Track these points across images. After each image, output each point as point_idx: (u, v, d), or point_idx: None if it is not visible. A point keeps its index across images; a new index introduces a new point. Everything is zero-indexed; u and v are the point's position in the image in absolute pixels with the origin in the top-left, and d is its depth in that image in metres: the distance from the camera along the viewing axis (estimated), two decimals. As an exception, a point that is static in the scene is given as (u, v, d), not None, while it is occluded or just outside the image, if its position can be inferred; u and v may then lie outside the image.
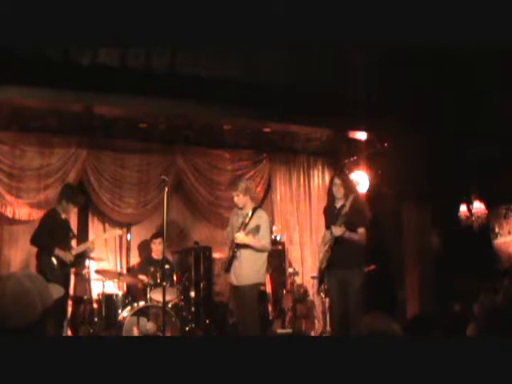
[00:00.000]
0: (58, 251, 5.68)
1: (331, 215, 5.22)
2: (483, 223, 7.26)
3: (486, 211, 7.24)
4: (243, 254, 5.15)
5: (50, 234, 5.75)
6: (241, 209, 5.27)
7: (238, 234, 5.07)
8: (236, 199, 5.25)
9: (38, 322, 1.83)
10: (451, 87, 5.91)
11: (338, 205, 5.18)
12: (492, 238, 7.38)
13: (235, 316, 5.35)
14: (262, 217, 5.20)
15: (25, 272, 1.99)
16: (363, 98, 5.98)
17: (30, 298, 1.83)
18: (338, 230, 4.94)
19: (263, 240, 5.16)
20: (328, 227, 5.28)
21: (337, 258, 5.03)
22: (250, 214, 5.19)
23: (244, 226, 5.12)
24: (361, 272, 5.15)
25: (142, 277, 6.40)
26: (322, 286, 6.29)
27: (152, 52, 5.37)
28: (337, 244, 5.01)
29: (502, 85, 5.76)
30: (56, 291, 1.98)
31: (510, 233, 7.21)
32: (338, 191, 5.17)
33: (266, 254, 5.27)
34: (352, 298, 4.99)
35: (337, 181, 5.22)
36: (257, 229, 5.10)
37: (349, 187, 5.19)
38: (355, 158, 7.67)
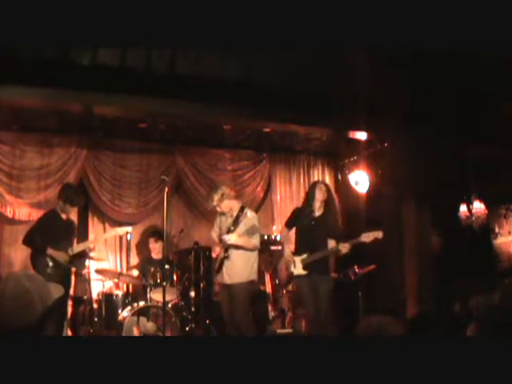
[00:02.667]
0: (51, 251, 5.64)
1: (304, 218, 5.32)
2: (483, 223, 7.26)
3: (486, 211, 7.24)
4: (235, 253, 5.23)
5: (44, 234, 5.70)
6: (228, 211, 5.33)
7: (230, 237, 5.14)
8: (219, 209, 5.35)
9: (38, 322, 1.83)
10: (451, 87, 5.91)
11: (317, 212, 5.30)
12: (492, 238, 7.38)
13: (225, 315, 5.33)
14: (250, 216, 5.27)
15: (24, 272, 1.99)
16: (363, 97, 5.98)
17: (29, 298, 1.82)
18: (345, 248, 5.08)
19: (254, 239, 5.24)
20: (290, 226, 5.44)
21: (310, 263, 5.18)
22: (239, 214, 5.26)
23: (235, 226, 5.20)
24: (329, 278, 5.35)
25: (135, 272, 6.45)
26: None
27: (152, 52, 5.37)
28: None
29: (502, 85, 5.76)
30: (56, 291, 1.97)
31: (510, 233, 7.22)
32: (322, 195, 5.28)
33: (256, 252, 5.34)
34: (322, 302, 5.13)
35: (323, 187, 5.34)
36: (247, 229, 5.19)
37: (330, 198, 5.33)
38: (355, 157, 7.67)
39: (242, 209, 5.33)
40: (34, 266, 5.64)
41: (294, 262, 5.27)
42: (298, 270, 5.24)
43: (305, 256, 5.22)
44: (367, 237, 5.04)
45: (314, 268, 5.17)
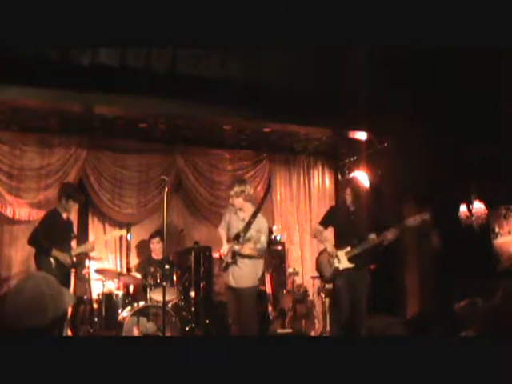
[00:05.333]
0: (55, 252, 5.66)
1: (342, 214, 5.47)
2: (483, 223, 7.25)
3: (486, 211, 7.23)
4: (242, 260, 5.21)
5: (48, 234, 5.74)
6: (239, 209, 5.29)
7: (240, 246, 5.13)
8: (231, 201, 5.31)
9: (47, 329, 1.82)
10: (451, 87, 5.91)
11: (352, 207, 5.45)
12: (492, 238, 7.37)
13: (232, 317, 5.35)
14: (261, 225, 5.23)
15: (43, 275, 1.95)
16: (363, 97, 5.98)
17: (44, 303, 1.81)
18: (394, 233, 5.18)
19: (260, 249, 5.21)
20: (326, 225, 5.57)
21: (358, 258, 5.29)
22: (251, 221, 5.22)
23: (245, 235, 5.17)
24: (369, 272, 5.37)
25: (136, 275, 6.44)
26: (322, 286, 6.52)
27: (152, 52, 5.37)
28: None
29: (501, 85, 5.76)
30: (69, 299, 1.97)
31: (510, 233, 7.20)
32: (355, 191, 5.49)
33: (263, 258, 5.33)
34: (361, 298, 5.22)
35: (349, 191, 5.51)
36: (257, 239, 5.16)
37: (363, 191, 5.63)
38: (355, 157, 7.67)
39: (254, 215, 5.27)
40: (38, 267, 5.66)
41: (337, 256, 5.33)
42: (343, 263, 5.32)
43: (348, 249, 5.32)
44: (413, 220, 5.13)
45: (358, 261, 5.27)
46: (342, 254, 5.33)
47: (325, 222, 5.62)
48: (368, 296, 5.23)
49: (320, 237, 5.64)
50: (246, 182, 5.58)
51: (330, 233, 5.69)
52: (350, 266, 5.29)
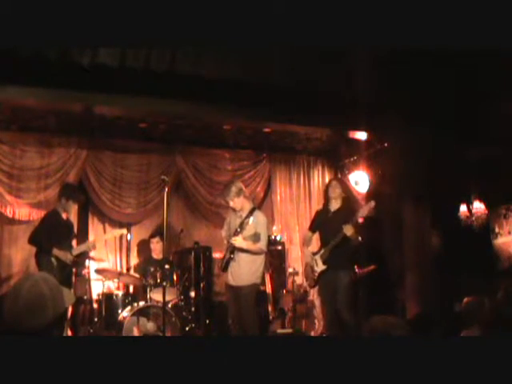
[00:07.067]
0: (56, 251, 5.67)
1: (322, 216, 5.48)
2: (483, 223, 7.26)
3: (486, 211, 7.23)
4: (241, 255, 5.20)
5: (48, 234, 5.74)
6: (239, 210, 5.30)
7: (236, 238, 5.13)
8: (232, 204, 5.30)
9: (46, 328, 1.82)
10: (451, 87, 5.91)
11: (334, 208, 5.43)
12: (492, 238, 7.37)
13: (232, 316, 5.35)
14: (259, 220, 5.23)
15: (42, 275, 1.96)
16: (363, 97, 5.98)
17: (43, 302, 1.81)
18: (349, 229, 5.05)
19: (260, 243, 5.21)
20: (313, 229, 5.58)
21: (330, 259, 5.24)
22: (248, 216, 5.22)
23: (242, 228, 5.17)
24: (348, 272, 5.31)
25: (136, 275, 6.44)
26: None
27: (152, 52, 5.37)
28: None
29: (502, 85, 5.76)
30: (68, 298, 1.97)
31: (510, 233, 7.21)
32: (333, 192, 5.41)
33: (263, 256, 5.32)
34: (340, 298, 5.16)
35: (333, 182, 5.53)
36: (254, 232, 5.15)
37: (344, 191, 5.50)
38: (355, 157, 7.67)
39: (252, 210, 5.28)
40: (39, 266, 5.66)
41: (315, 260, 5.34)
42: (319, 267, 5.32)
43: (322, 251, 5.31)
44: (362, 212, 5.14)
45: (332, 262, 5.23)
46: (318, 257, 5.35)
47: (312, 227, 5.64)
48: (351, 295, 5.22)
49: (309, 243, 5.67)
50: (234, 181, 5.64)
51: (315, 239, 5.72)
52: (323, 268, 5.29)
